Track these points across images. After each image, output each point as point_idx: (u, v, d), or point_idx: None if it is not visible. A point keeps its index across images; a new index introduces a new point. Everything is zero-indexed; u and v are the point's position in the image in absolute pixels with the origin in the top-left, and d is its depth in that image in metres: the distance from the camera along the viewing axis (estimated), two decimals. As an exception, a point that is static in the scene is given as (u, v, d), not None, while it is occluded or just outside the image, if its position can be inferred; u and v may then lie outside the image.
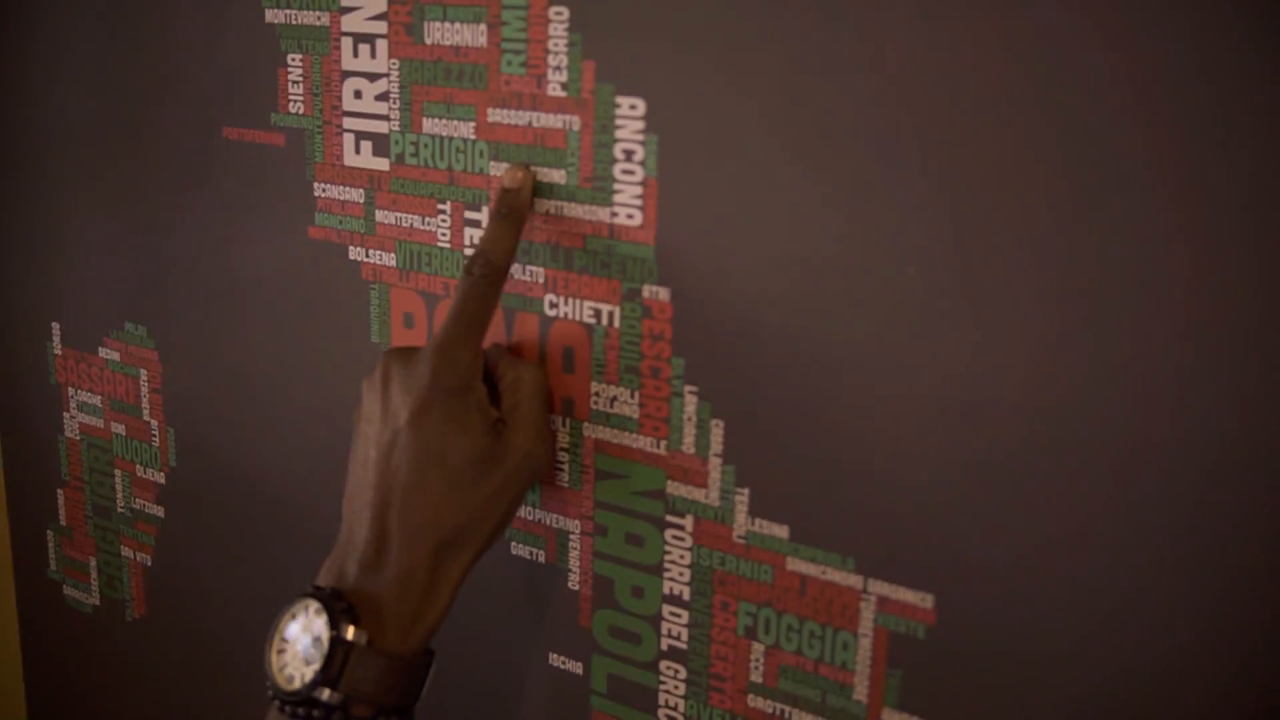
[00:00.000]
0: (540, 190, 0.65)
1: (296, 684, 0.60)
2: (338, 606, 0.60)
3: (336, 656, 0.59)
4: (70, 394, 0.91)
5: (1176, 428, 0.51)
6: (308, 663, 0.60)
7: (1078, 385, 0.53)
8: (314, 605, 0.61)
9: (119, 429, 0.88)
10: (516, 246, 0.64)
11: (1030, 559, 0.55)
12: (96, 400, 0.89)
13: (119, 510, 0.90)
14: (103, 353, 0.88)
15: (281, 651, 0.62)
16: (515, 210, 0.64)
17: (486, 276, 0.62)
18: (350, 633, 0.60)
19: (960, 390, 0.55)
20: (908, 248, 0.55)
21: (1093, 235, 0.51)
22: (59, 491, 0.93)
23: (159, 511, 0.87)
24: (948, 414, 0.56)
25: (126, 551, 0.90)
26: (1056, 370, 0.53)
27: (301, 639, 0.61)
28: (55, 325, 0.90)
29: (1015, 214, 0.52)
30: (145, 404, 0.86)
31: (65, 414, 0.91)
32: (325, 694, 0.59)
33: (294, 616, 0.62)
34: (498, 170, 0.67)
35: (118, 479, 0.89)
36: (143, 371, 0.86)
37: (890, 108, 0.55)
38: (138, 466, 0.88)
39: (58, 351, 0.90)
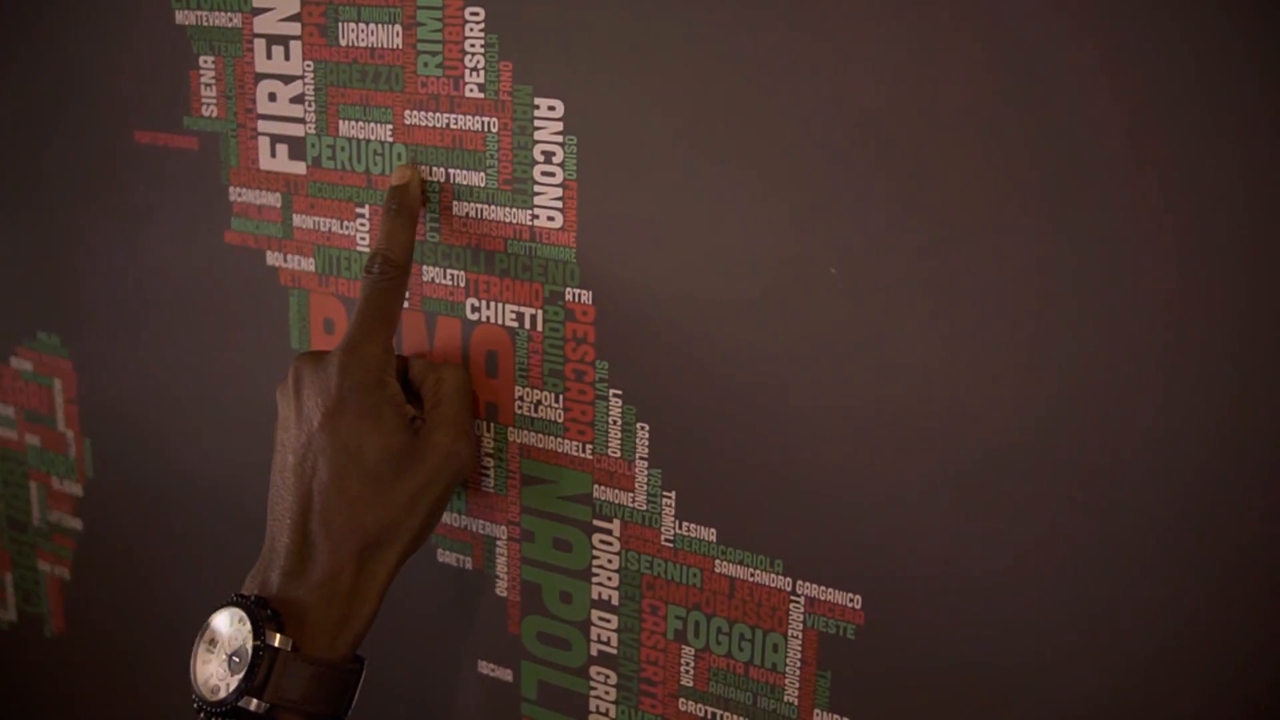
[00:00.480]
0: (460, 193, 0.64)
1: (221, 694, 0.59)
2: (262, 614, 0.59)
3: (261, 664, 0.58)
4: (-19, 405, 0.88)
5: (1116, 428, 0.51)
6: (233, 672, 0.59)
7: (1007, 384, 0.53)
8: (238, 613, 0.60)
9: (33, 440, 0.86)
10: (413, 241, 0.63)
11: (957, 559, 0.55)
12: (9, 411, 0.87)
13: (34, 524, 0.88)
14: (14, 362, 0.86)
15: (206, 662, 0.60)
16: (405, 205, 0.63)
17: (386, 274, 0.62)
18: (276, 640, 0.58)
19: (886, 391, 0.55)
20: (830, 248, 0.55)
21: (1024, 230, 0.51)
22: (-28, 505, 0.91)
23: (77, 524, 0.85)
24: (874, 415, 0.56)
25: (44, 565, 0.88)
26: (986, 369, 0.53)
27: (225, 648, 0.60)
28: (-35, 335, 0.88)
29: (943, 210, 0.52)
30: (60, 414, 0.84)
31: (-23, 426, 0.89)
32: (251, 703, 0.58)
33: (217, 625, 0.60)
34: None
35: (33, 491, 0.87)
36: (57, 381, 0.83)
37: (814, 106, 0.54)
38: (53, 478, 0.86)
39: (-32, 362, 0.88)
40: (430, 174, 0.65)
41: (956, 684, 0.56)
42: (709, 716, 0.63)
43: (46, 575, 0.88)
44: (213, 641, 0.60)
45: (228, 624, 0.60)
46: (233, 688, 0.58)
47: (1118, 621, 0.52)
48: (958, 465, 0.54)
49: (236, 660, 0.59)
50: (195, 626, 0.80)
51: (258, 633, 0.58)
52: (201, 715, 0.60)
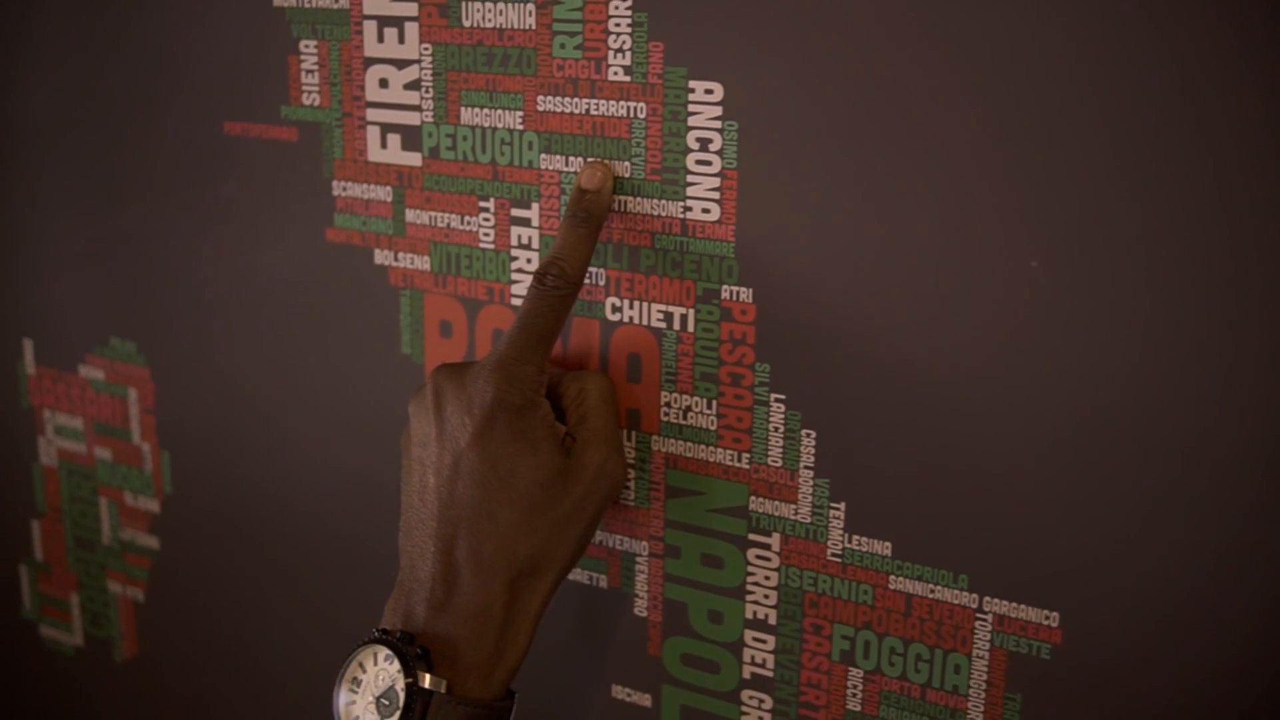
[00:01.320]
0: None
1: (372, 737, 0.55)
2: (411, 652, 0.54)
3: (415, 707, 0.53)
4: (46, 417, 0.83)
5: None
6: (382, 715, 0.55)
7: (1211, 391, 0.48)
8: (384, 651, 0.55)
9: (104, 454, 0.81)
10: (592, 254, 0.58)
11: (1163, 571, 0.51)
12: (77, 423, 0.81)
13: (104, 543, 0.82)
14: (83, 371, 0.80)
15: (350, 703, 0.56)
16: (594, 214, 0.58)
17: (560, 288, 0.56)
18: (428, 680, 0.54)
19: (1087, 393, 0.51)
20: (1032, 240, 0.51)
21: (1225, 230, 0.47)
22: (34, 523, 0.85)
23: (152, 542, 0.80)
24: (1073, 419, 0.51)
25: (114, 586, 0.83)
26: (1187, 375, 0.49)
27: (371, 688, 0.55)
28: (27, 343, 0.82)
29: (1162, 194, 0.48)
30: (135, 426, 0.78)
31: (40, 439, 0.83)
32: None
33: (361, 664, 0.56)
34: (549, 164, 0.61)
35: (103, 508, 0.82)
36: (132, 390, 0.78)
37: (1011, 85, 0.50)
38: (126, 494, 0.80)
39: (30, 372, 0.82)
40: (566, 164, 0.60)
41: (1164, 708, 0.52)
42: (878, 742, 0.59)
43: (118, 596, 0.83)
44: (356, 680, 0.56)
45: (373, 662, 0.55)
46: None
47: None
48: (1164, 473, 0.50)
49: (386, 703, 0.54)
50: (278, 652, 0.76)
51: (408, 672, 0.54)
52: None
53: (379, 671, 0.55)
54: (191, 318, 0.74)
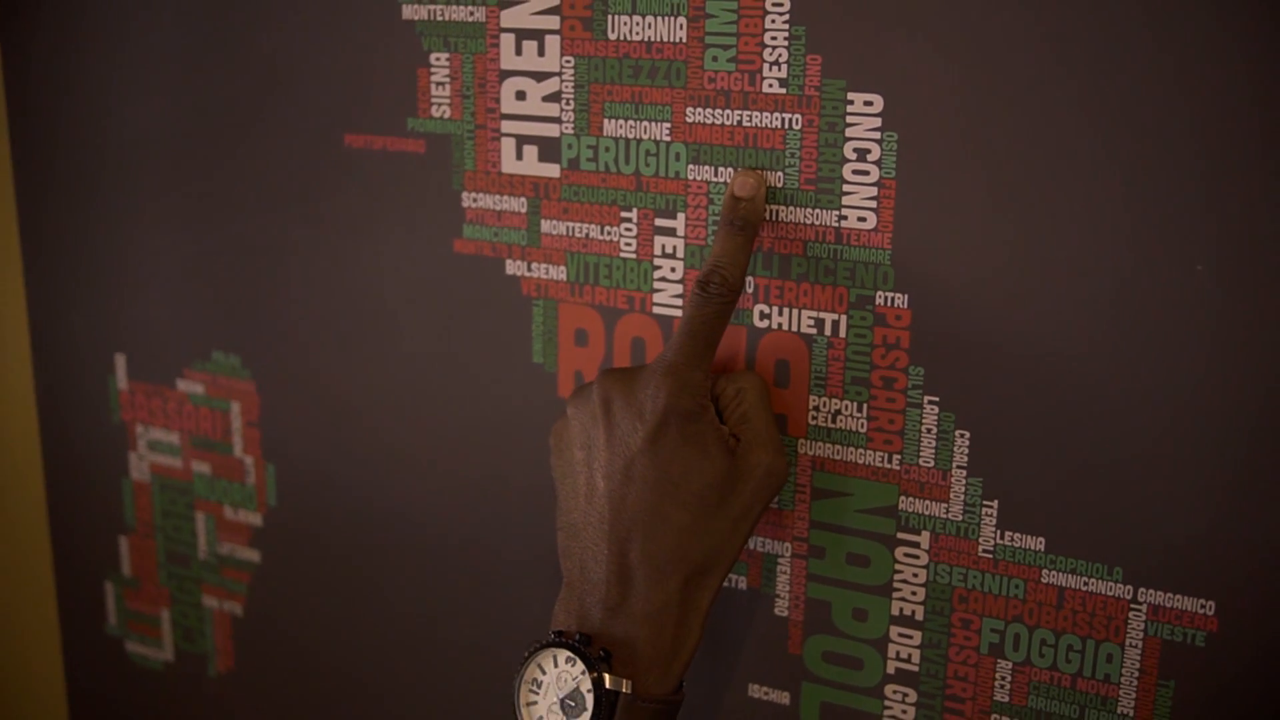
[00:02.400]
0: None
1: (559, 739, 0.56)
2: (592, 653, 0.55)
3: (603, 707, 0.55)
4: (138, 432, 0.82)
5: None
6: (568, 715, 0.56)
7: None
8: (564, 654, 0.56)
9: (202, 468, 0.80)
10: (749, 261, 0.59)
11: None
12: (173, 438, 0.81)
13: (200, 557, 0.82)
14: (182, 385, 0.80)
15: (531, 704, 0.56)
16: (750, 221, 0.59)
17: (723, 295, 0.58)
18: (610, 680, 0.55)
19: (1242, 392, 0.53)
20: (1190, 245, 0.53)
21: None
22: (122, 539, 0.85)
23: (253, 556, 0.80)
24: (1225, 416, 0.54)
25: (210, 601, 0.82)
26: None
27: (554, 690, 0.56)
28: (119, 357, 0.82)
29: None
30: (238, 439, 0.78)
31: (131, 454, 0.83)
32: None
33: (540, 666, 0.57)
34: (697, 174, 0.62)
35: (199, 523, 0.81)
36: (235, 404, 0.78)
37: (1172, 93, 0.52)
38: (226, 508, 0.80)
39: (122, 386, 0.82)
40: (715, 175, 0.62)
41: (1319, 689, 0.54)
42: (1026, 732, 0.61)
43: (213, 612, 0.82)
44: (536, 682, 0.57)
45: (553, 664, 0.56)
46: None
47: None
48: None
49: (572, 704, 0.56)
50: (378, 668, 0.76)
51: (592, 672, 0.55)
52: None
53: (560, 674, 0.56)
54: (301, 331, 0.75)
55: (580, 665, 0.56)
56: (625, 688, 0.55)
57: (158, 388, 0.81)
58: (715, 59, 0.61)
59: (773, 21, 0.59)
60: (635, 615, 0.57)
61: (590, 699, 0.55)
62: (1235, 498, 0.54)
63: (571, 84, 0.64)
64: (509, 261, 0.68)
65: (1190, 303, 0.54)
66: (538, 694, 0.57)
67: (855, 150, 0.59)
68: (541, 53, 0.64)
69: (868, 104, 0.58)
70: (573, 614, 0.58)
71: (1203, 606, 0.56)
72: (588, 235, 0.66)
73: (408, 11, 0.67)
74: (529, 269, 0.67)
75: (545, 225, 0.66)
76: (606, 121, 0.64)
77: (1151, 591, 0.57)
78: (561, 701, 0.56)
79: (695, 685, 0.68)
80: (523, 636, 0.70)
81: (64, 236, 0.81)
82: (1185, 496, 0.55)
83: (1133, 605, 0.57)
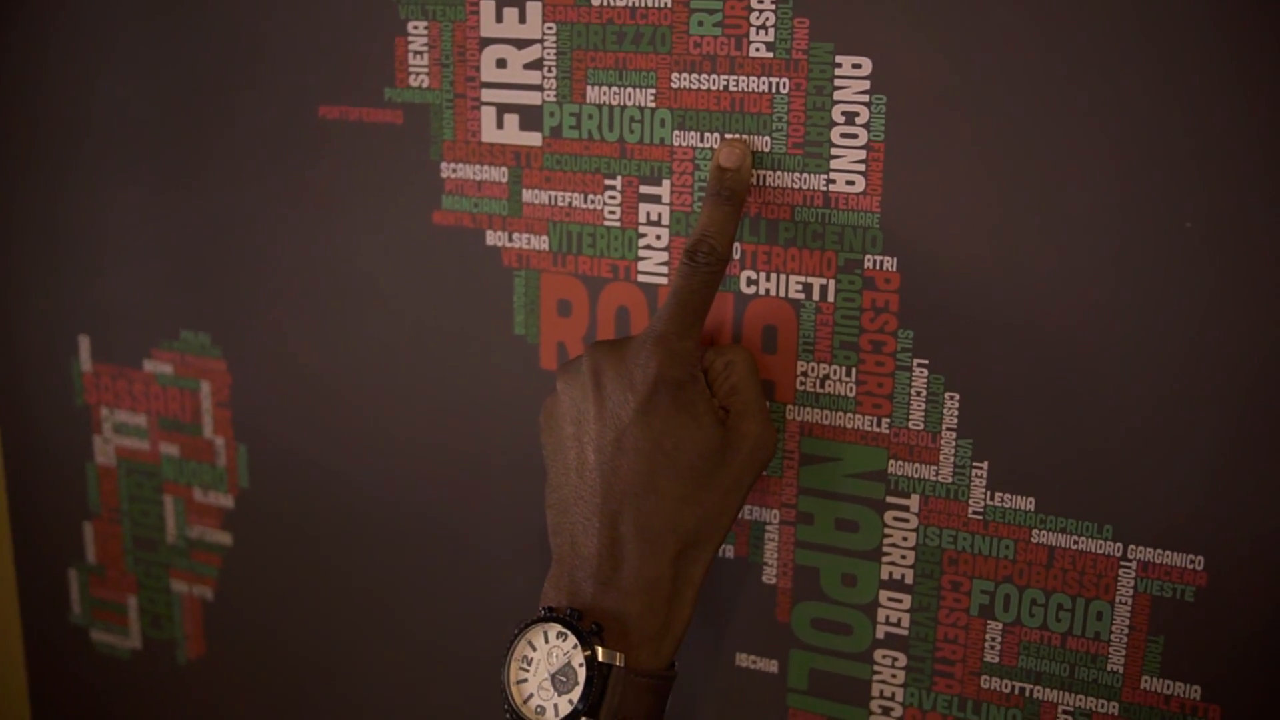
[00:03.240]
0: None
1: (550, 716, 0.55)
2: (583, 627, 0.55)
3: (595, 682, 0.54)
4: (103, 415, 0.80)
5: None
6: (559, 691, 0.55)
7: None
8: (555, 628, 0.55)
9: (170, 450, 0.79)
10: (737, 230, 0.59)
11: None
12: (140, 420, 0.79)
13: (169, 541, 0.80)
14: (149, 366, 0.78)
15: (521, 680, 0.56)
16: (737, 191, 0.59)
17: (710, 264, 0.57)
18: (602, 654, 0.54)
19: (1229, 349, 0.54)
20: (1178, 204, 0.54)
21: None
22: (86, 525, 0.83)
23: (224, 539, 0.78)
24: (1213, 374, 0.55)
25: (179, 586, 0.81)
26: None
27: (545, 665, 0.55)
28: (83, 339, 0.80)
29: (1323, 160, 0.51)
30: (208, 420, 0.77)
31: (96, 437, 0.81)
32: None
33: (531, 642, 0.56)
34: (683, 140, 0.62)
35: (168, 506, 0.80)
36: (204, 384, 0.76)
37: (1155, 56, 0.53)
38: (195, 490, 0.78)
39: (86, 369, 0.80)
40: (701, 140, 0.61)
41: (1306, 640, 0.55)
42: (1016, 691, 0.61)
43: (183, 596, 0.81)
44: (526, 658, 0.56)
45: (544, 640, 0.56)
46: (565, 710, 0.55)
47: None
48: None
49: (563, 679, 0.55)
50: (354, 651, 0.75)
51: (585, 647, 0.54)
52: None
53: (551, 649, 0.56)
54: (274, 307, 0.73)
55: (572, 640, 0.55)
56: (619, 661, 0.55)
57: (123, 369, 0.79)
58: (701, 23, 0.60)
59: (759, -15, 0.59)
60: (627, 589, 0.56)
61: (582, 673, 0.54)
62: (1223, 454, 0.55)
63: (554, 51, 0.64)
64: (489, 232, 0.67)
65: (1181, 265, 0.54)
66: (528, 670, 0.56)
67: (844, 113, 0.59)
68: (523, 19, 0.64)
69: (856, 67, 0.58)
70: (563, 589, 0.57)
71: (1192, 562, 0.57)
72: (570, 204, 0.65)
73: (384, -21, 0.66)
74: (510, 239, 0.67)
75: (527, 195, 0.66)
76: (589, 88, 0.63)
77: (1141, 549, 0.58)
78: (552, 677, 0.55)
79: (683, 655, 0.67)
80: (504, 616, 0.69)
81: (24, 214, 0.79)
82: (1174, 453, 0.56)
83: (1122, 562, 0.58)
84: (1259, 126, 0.52)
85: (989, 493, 0.60)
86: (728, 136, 0.61)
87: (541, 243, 0.66)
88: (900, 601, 0.63)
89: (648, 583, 0.56)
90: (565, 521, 0.58)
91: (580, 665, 0.55)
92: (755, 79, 0.60)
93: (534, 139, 0.65)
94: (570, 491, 0.58)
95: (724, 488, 0.58)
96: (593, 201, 0.64)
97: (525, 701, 0.56)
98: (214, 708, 0.82)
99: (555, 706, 0.55)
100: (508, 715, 0.56)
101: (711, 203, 0.59)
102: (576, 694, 0.54)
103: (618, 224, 0.64)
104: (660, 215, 0.63)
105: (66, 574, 0.84)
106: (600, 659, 0.55)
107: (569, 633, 0.55)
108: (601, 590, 0.56)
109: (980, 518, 0.60)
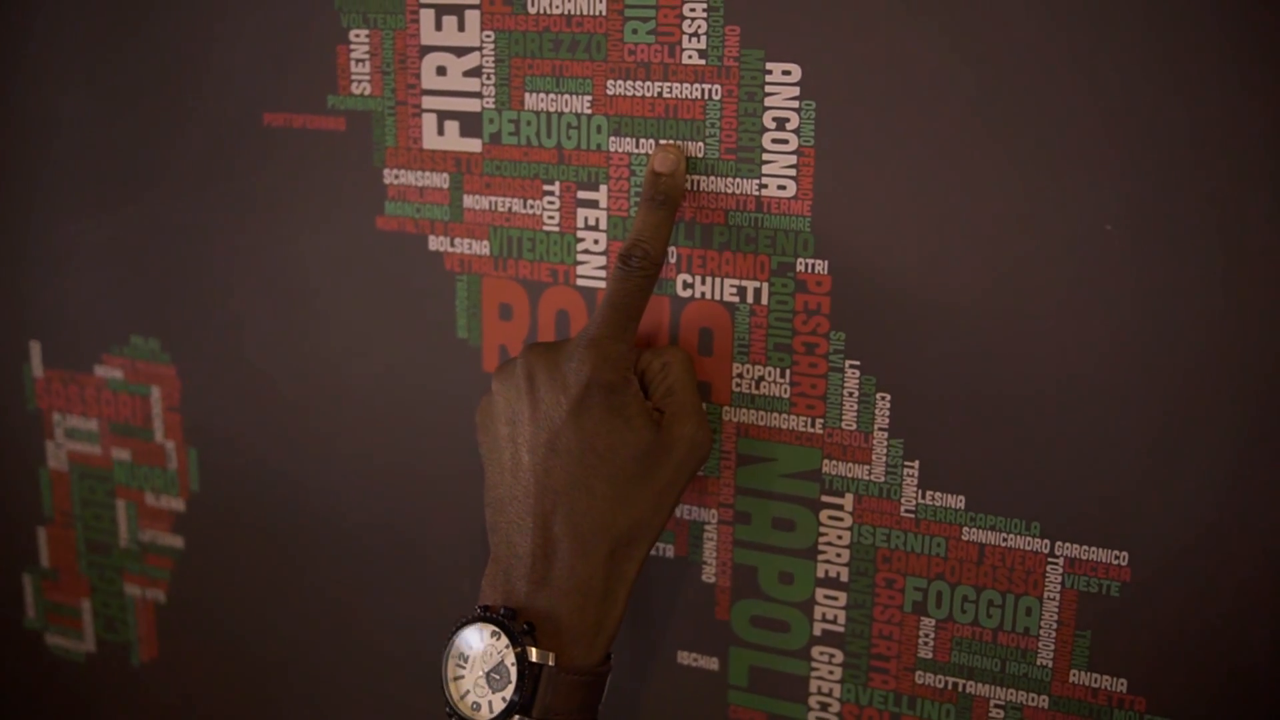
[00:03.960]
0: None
1: (485, 712, 0.56)
2: (516, 627, 0.56)
3: (527, 680, 0.55)
4: (55, 420, 0.81)
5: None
6: (493, 689, 0.56)
7: (1273, 344, 0.53)
8: (489, 628, 0.56)
9: (122, 455, 0.79)
10: (671, 234, 0.60)
11: (1228, 509, 0.55)
12: (91, 425, 0.80)
13: (121, 545, 0.81)
14: (100, 372, 0.79)
15: (458, 678, 0.57)
16: (671, 196, 0.60)
17: (644, 269, 0.58)
18: (535, 654, 0.55)
19: (1153, 348, 0.55)
20: (1099, 206, 0.55)
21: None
22: (40, 530, 0.83)
23: (176, 542, 0.79)
24: (1137, 373, 0.56)
25: (132, 589, 0.81)
26: (1250, 326, 0.53)
27: (480, 664, 0.56)
28: (34, 345, 0.80)
29: (1232, 156, 0.53)
30: (159, 425, 0.77)
31: (49, 442, 0.81)
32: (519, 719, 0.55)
33: (468, 641, 0.57)
34: (619, 146, 0.63)
35: (120, 510, 0.80)
36: (155, 389, 0.77)
37: (1079, 55, 0.54)
38: (147, 494, 0.79)
39: (38, 374, 0.81)
40: (637, 146, 0.62)
41: (1229, 636, 0.56)
42: (950, 687, 0.62)
43: (136, 600, 0.81)
44: (463, 657, 0.57)
45: (479, 639, 0.57)
46: (499, 707, 0.56)
47: None
48: (1231, 416, 0.54)
49: (496, 678, 0.56)
50: (306, 652, 0.76)
51: (516, 646, 0.55)
52: None
53: (486, 648, 0.57)
54: (222, 313, 0.74)
55: (505, 639, 0.56)
56: (550, 661, 0.56)
57: (75, 375, 0.80)
58: (635, 31, 0.61)
59: (691, -7, 0.60)
60: (560, 588, 0.57)
61: (514, 672, 0.55)
62: (1146, 452, 0.56)
63: (492, 58, 0.64)
64: (432, 237, 0.68)
65: (1103, 265, 0.55)
66: (464, 668, 0.57)
67: (774, 119, 0.60)
68: (462, 27, 0.65)
69: (786, 73, 0.59)
70: (499, 588, 0.58)
71: (1116, 558, 0.58)
72: (510, 209, 0.66)
73: (325, -12, 0.67)
74: (452, 244, 0.68)
75: (468, 200, 0.67)
76: (528, 95, 0.64)
77: (1068, 545, 0.59)
78: (487, 675, 0.56)
79: (625, 653, 0.69)
80: (450, 615, 0.70)
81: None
82: (1099, 451, 0.57)
83: (1050, 559, 0.59)
84: (1182, 127, 0.53)
85: (920, 491, 0.61)
86: (662, 142, 0.62)
87: (483, 247, 0.67)
88: (836, 599, 0.64)
89: (580, 582, 0.57)
90: (501, 520, 0.59)
91: (513, 665, 0.56)
92: (688, 85, 0.61)
93: (474, 145, 0.66)
94: (505, 491, 0.59)
95: (658, 489, 0.59)
96: (532, 207, 0.65)
97: (462, 698, 0.57)
98: (168, 709, 0.82)
99: (490, 703, 0.56)
100: (447, 710, 0.57)
101: (646, 207, 0.60)
102: (509, 691, 0.55)
103: (556, 229, 0.65)
104: (598, 220, 0.64)
105: (20, 578, 0.85)
106: (533, 659, 0.56)
107: (502, 633, 0.56)
108: (535, 589, 0.57)
109: (912, 516, 0.61)
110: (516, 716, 0.55)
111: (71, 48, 0.74)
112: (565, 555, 0.57)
